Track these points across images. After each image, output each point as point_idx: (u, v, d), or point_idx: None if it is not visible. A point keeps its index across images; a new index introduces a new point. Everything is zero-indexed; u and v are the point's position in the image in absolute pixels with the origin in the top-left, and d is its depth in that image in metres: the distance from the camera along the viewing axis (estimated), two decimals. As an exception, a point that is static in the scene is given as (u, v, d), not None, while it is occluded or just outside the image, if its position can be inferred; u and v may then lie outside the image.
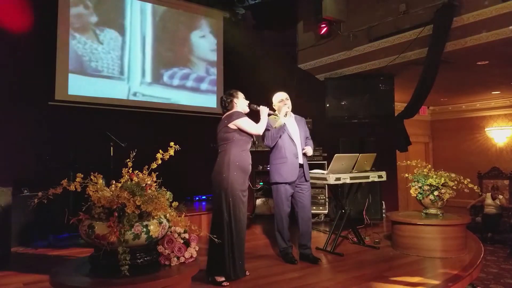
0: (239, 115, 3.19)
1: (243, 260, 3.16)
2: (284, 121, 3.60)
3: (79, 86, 5.62)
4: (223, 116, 3.27)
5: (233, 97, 3.30)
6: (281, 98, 3.74)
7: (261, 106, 3.40)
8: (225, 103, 3.29)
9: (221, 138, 3.19)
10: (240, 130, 3.16)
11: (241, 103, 3.30)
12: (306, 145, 3.79)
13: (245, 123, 3.17)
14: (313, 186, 3.91)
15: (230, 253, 3.03)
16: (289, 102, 3.72)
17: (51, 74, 5.40)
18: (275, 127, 3.60)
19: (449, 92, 8.06)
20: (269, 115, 3.42)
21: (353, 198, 4.43)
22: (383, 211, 5.93)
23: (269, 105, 3.80)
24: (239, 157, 3.12)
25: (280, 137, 3.63)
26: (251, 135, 3.24)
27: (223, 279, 3.00)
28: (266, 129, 3.65)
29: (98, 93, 5.79)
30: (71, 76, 5.56)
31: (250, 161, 3.24)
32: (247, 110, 3.34)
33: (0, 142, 4.85)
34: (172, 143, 2.32)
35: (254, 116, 3.36)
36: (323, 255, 3.91)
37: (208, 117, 6.42)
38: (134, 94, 6.16)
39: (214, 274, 3.03)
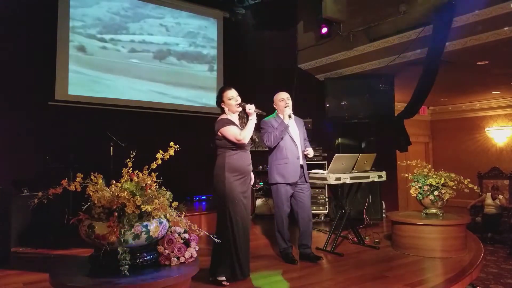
0: (223, 123, 3.08)
1: (248, 260, 3.16)
2: (287, 122, 3.61)
3: (79, 86, 5.62)
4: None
5: (220, 100, 3.19)
6: (282, 98, 3.73)
7: (247, 106, 3.12)
8: (218, 106, 3.23)
9: (216, 143, 3.14)
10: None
11: (228, 104, 3.16)
12: (305, 147, 3.79)
13: (228, 133, 3.04)
14: (313, 186, 3.90)
15: (235, 254, 3.03)
16: (290, 102, 3.71)
17: (51, 73, 5.41)
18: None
19: (449, 92, 8.05)
20: (257, 113, 3.16)
21: (353, 198, 4.43)
22: (383, 211, 5.92)
23: (270, 105, 3.81)
24: (234, 160, 3.07)
25: (281, 138, 3.63)
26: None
27: (223, 278, 3.00)
28: (267, 131, 3.65)
29: (98, 93, 5.80)
30: (71, 76, 5.56)
31: (249, 162, 3.18)
32: (238, 109, 3.16)
33: (0, 142, 4.85)
34: (172, 143, 2.32)
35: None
36: (323, 255, 3.91)
37: (208, 116, 6.42)
38: (136, 91, 6.19)
39: (216, 275, 3.02)
